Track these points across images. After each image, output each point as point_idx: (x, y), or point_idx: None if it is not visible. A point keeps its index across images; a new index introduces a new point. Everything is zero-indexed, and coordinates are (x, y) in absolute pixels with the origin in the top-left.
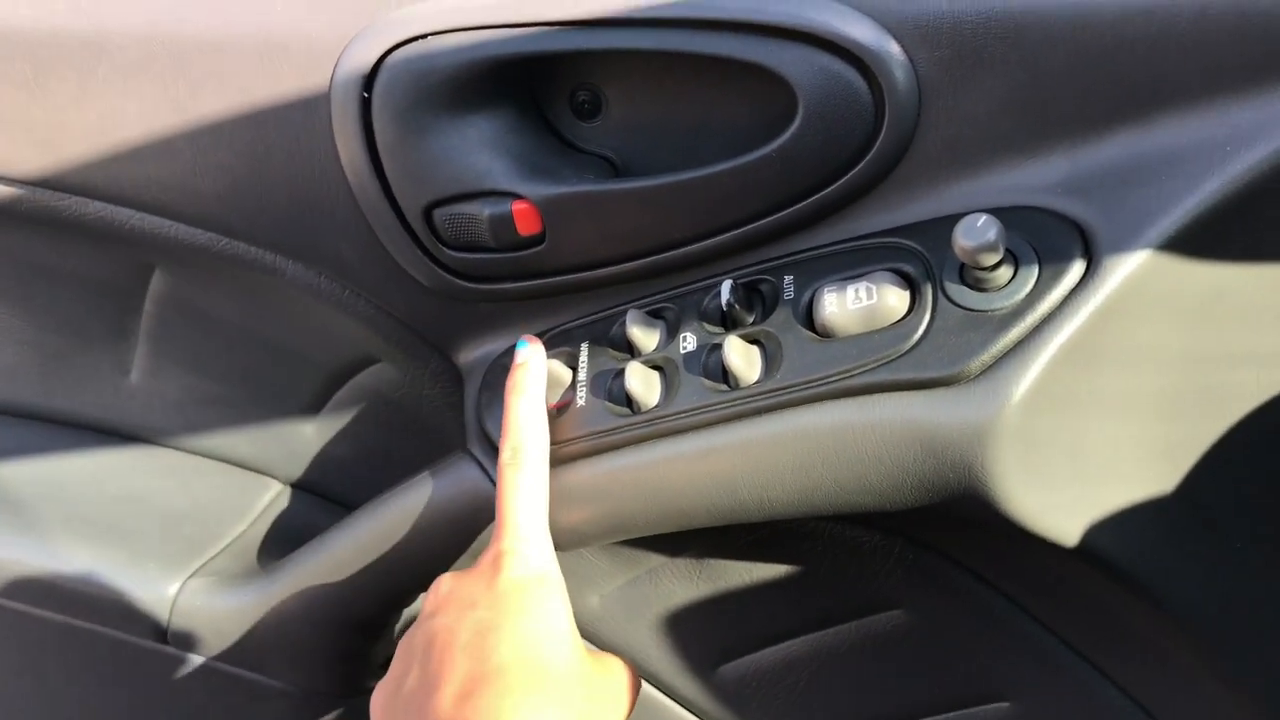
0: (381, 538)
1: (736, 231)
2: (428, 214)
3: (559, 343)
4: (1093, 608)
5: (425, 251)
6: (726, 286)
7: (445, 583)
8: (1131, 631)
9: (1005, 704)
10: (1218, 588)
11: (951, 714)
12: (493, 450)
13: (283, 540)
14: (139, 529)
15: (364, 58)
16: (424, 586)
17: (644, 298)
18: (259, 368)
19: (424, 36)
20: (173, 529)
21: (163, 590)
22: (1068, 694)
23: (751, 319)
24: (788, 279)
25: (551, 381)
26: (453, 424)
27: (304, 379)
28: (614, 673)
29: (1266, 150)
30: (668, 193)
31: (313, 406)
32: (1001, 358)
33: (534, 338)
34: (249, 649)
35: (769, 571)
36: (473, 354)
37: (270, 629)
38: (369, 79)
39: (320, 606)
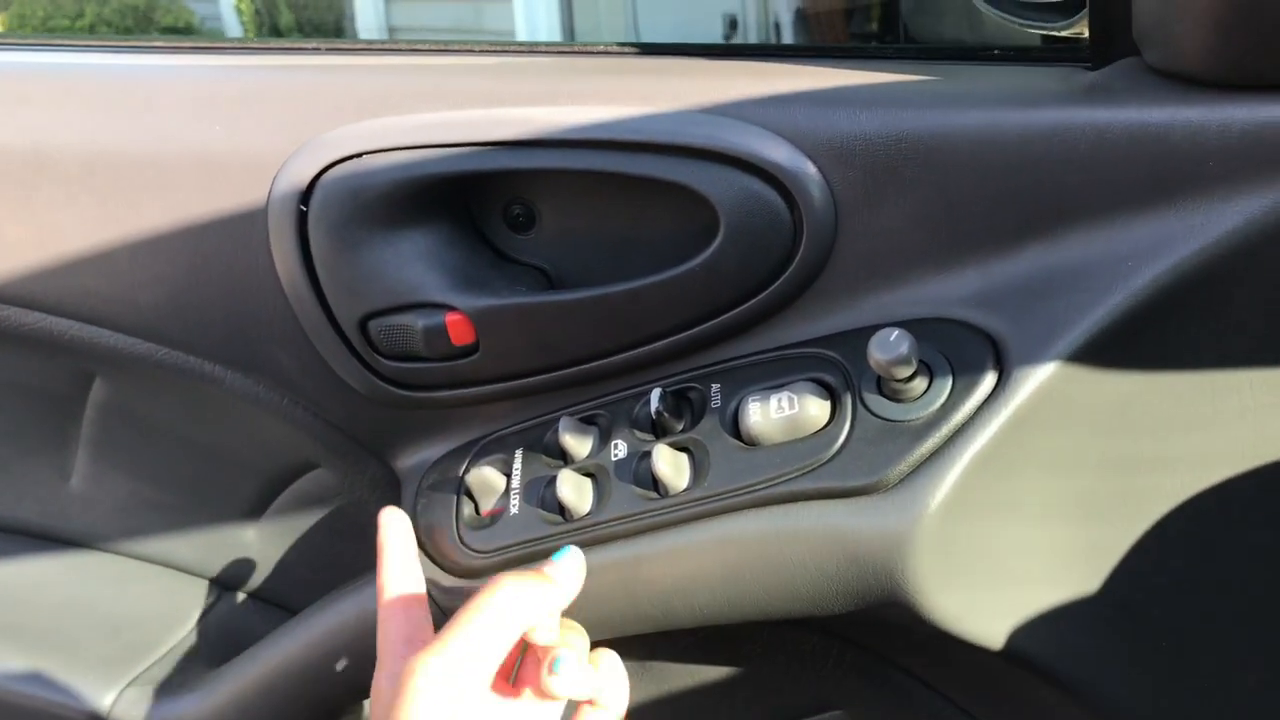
0: (319, 646)
1: (665, 341)
2: (363, 325)
3: (493, 450)
4: (1029, 710)
5: (361, 361)
6: (655, 395)
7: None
8: None
9: None
10: (1147, 686)
11: None
12: (430, 561)
13: (224, 646)
14: (76, 636)
15: (301, 174)
16: (363, 696)
17: (577, 405)
18: (200, 473)
19: (359, 155)
20: (111, 636)
21: (98, 699)
22: None
23: (680, 427)
24: (715, 387)
25: (484, 489)
26: None
27: (244, 484)
28: None
29: (1166, 264)
30: (597, 304)
31: (254, 511)
32: (918, 467)
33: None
34: None
35: (712, 674)
36: (410, 460)
37: None
38: (305, 195)
39: (258, 716)
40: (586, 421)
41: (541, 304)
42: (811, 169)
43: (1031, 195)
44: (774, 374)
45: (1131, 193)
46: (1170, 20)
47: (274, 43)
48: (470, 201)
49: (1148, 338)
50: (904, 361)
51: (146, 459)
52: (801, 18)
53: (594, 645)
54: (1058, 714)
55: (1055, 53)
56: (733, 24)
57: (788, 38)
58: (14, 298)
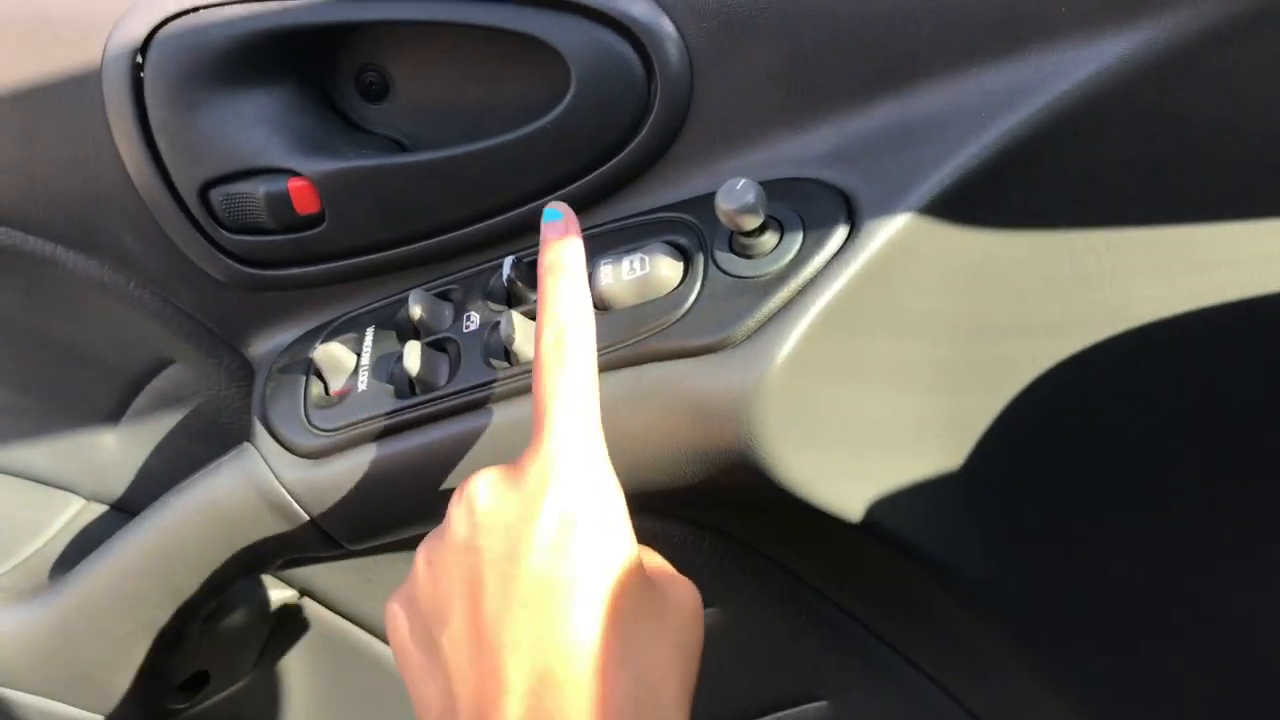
0: (164, 539)
1: (517, 211)
2: (204, 194)
3: (345, 329)
4: (896, 597)
5: (204, 235)
6: (508, 263)
7: (481, 495)
8: (936, 619)
9: (823, 703)
10: (1013, 565)
11: (769, 717)
12: (276, 444)
13: (82, 556)
14: None
15: (135, 32)
16: (215, 593)
17: (430, 281)
18: (52, 373)
19: (197, 9)
20: None
21: None
22: (886, 691)
23: (534, 296)
24: None
25: (333, 368)
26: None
27: (100, 384)
28: (686, 601)
29: (1019, 116)
30: (446, 166)
31: (112, 415)
32: (766, 323)
33: (565, 206)
34: (34, 671)
35: None
36: (263, 347)
37: (57, 648)
38: (141, 54)
39: (107, 619)
40: (440, 297)
41: (388, 166)
42: (667, 24)
43: (884, 45)
44: (628, 240)
45: (984, 40)
46: None
47: None
48: (320, 64)
49: (1002, 193)
50: (750, 210)
51: (1, 360)
52: None
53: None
54: (925, 603)
55: None
56: None
57: None
58: None
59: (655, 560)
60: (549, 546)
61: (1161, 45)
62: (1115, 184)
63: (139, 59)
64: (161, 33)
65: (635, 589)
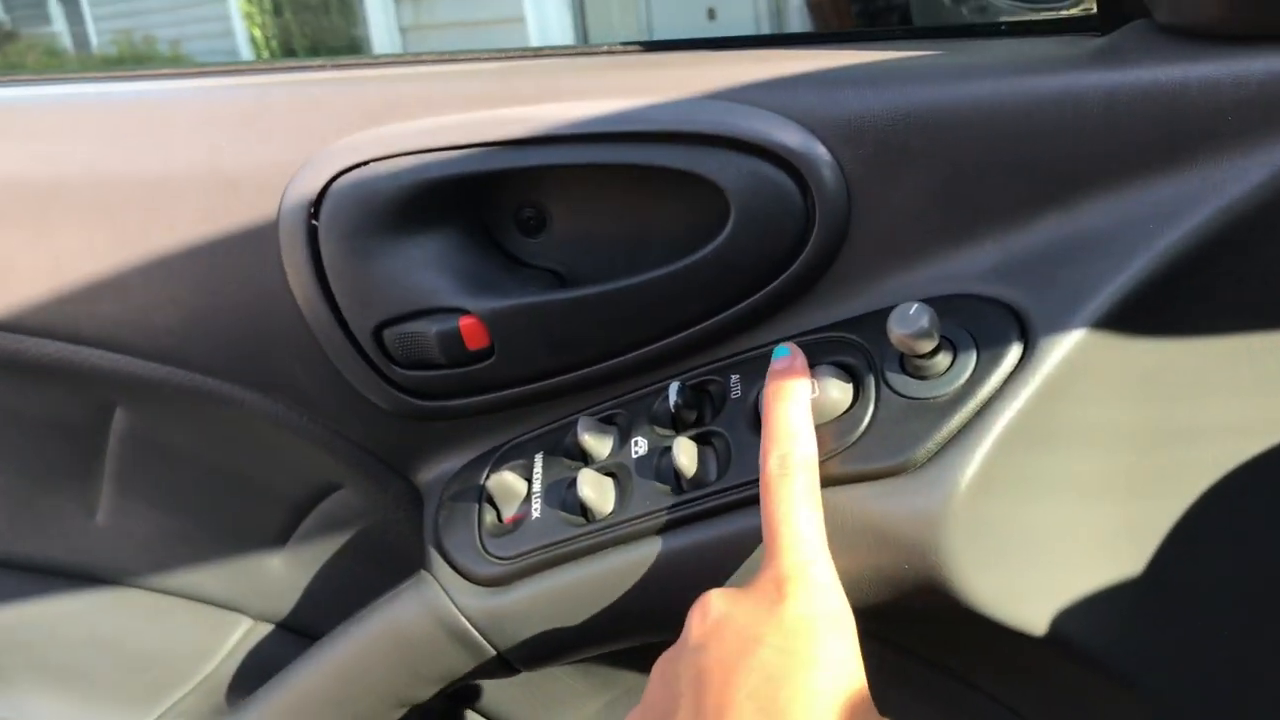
0: (345, 668)
1: (681, 335)
2: (378, 334)
3: (513, 456)
4: (1076, 701)
5: (377, 371)
6: (674, 388)
7: (716, 604)
8: None
9: None
10: (1193, 671)
11: None
12: (453, 572)
13: (253, 677)
14: (104, 674)
15: (310, 186)
16: (393, 716)
17: (595, 405)
18: (224, 502)
19: (366, 163)
20: (139, 672)
21: None
22: None
23: (700, 419)
24: (734, 378)
25: (505, 495)
26: (419, 549)
27: (269, 511)
28: None
29: (1189, 226)
30: (610, 300)
31: (279, 538)
32: (946, 444)
33: (794, 345)
34: None
35: None
36: (432, 474)
37: None
38: (315, 206)
39: None
40: (605, 421)
41: (554, 302)
42: (821, 150)
43: (1045, 163)
44: None
45: (1148, 154)
46: None
47: (279, 63)
48: (480, 206)
49: (1175, 302)
50: (925, 335)
51: (171, 490)
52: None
53: (618, 655)
54: (1104, 705)
55: (1062, 23)
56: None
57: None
58: (31, 328)
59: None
60: (781, 648)
61: None
62: None
63: (313, 210)
64: (334, 186)
65: (859, 707)
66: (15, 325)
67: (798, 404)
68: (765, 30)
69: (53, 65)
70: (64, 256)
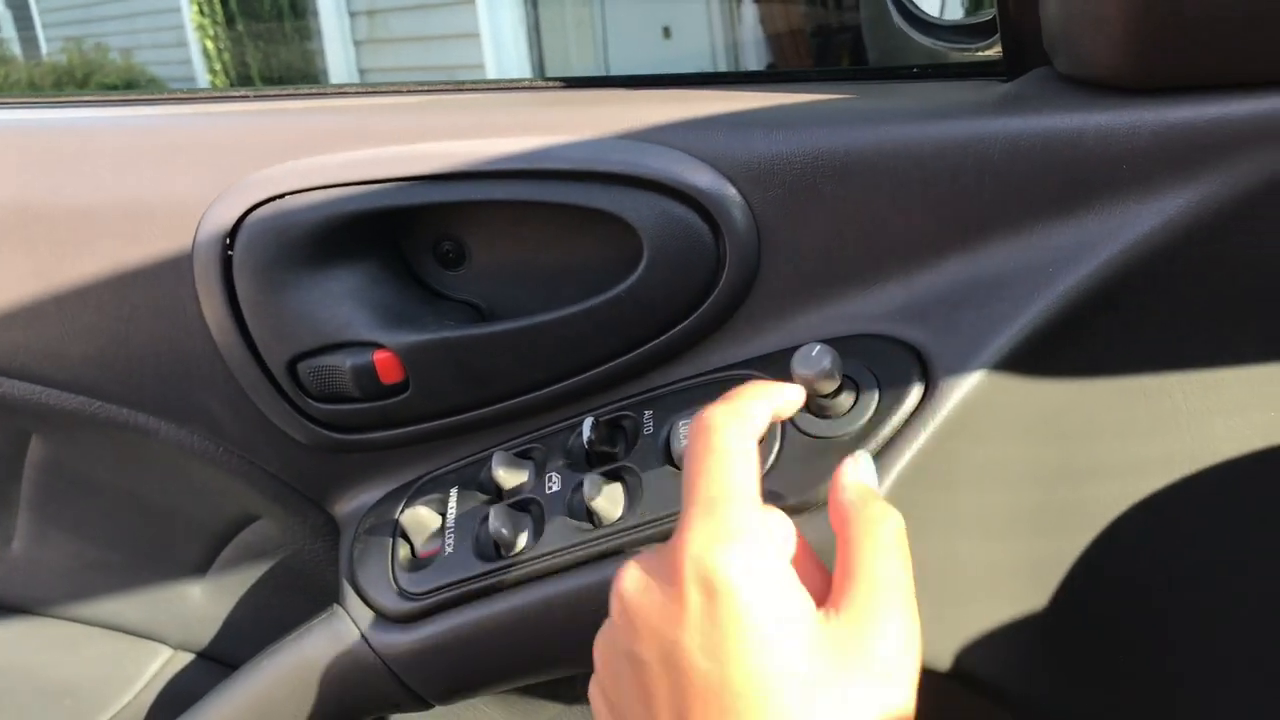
0: (258, 701)
1: (595, 370)
2: (292, 367)
3: (428, 490)
4: None
5: (292, 404)
6: (587, 424)
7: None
8: None
9: None
10: (1099, 701)
11: None
12: (365, 607)
13: (171, 708)
14: (20, 704)
15: (225, 217)
16: None
17: (511, 440)
18: (143, 531)
19: (283, 196)
20: (53, 703)
21: None
22: None
23: (613, 455)
24: (647, 414)
25: (419, 530)
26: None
27: (188, 541)
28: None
29: (1087, 269)
30: (525, 335)
31: (198, 568)
32: None
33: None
34: None
35: None
36: (349, 505)
37: None
38: (230, 238)
39: None
40: (521, 455)
41: (468, 337)
42: (732, 191)
43: (949, 206)
44: (704, 397)
45: (1048, 199)
46: (1076, 28)
47: (203, 92)
48: (399, 239)
49: (1073, 343)
50: (827, 375)
51: (89, 519)
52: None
53: (537, 685)
54: None
55: (971, 67)
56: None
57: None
58: None
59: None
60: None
61: (1222, 197)
62: (1185, 328)
63: (228, 242)
64: (250, 218)
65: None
66: None
67: (741, 411)
68: (719, 49)
69: None
70: None
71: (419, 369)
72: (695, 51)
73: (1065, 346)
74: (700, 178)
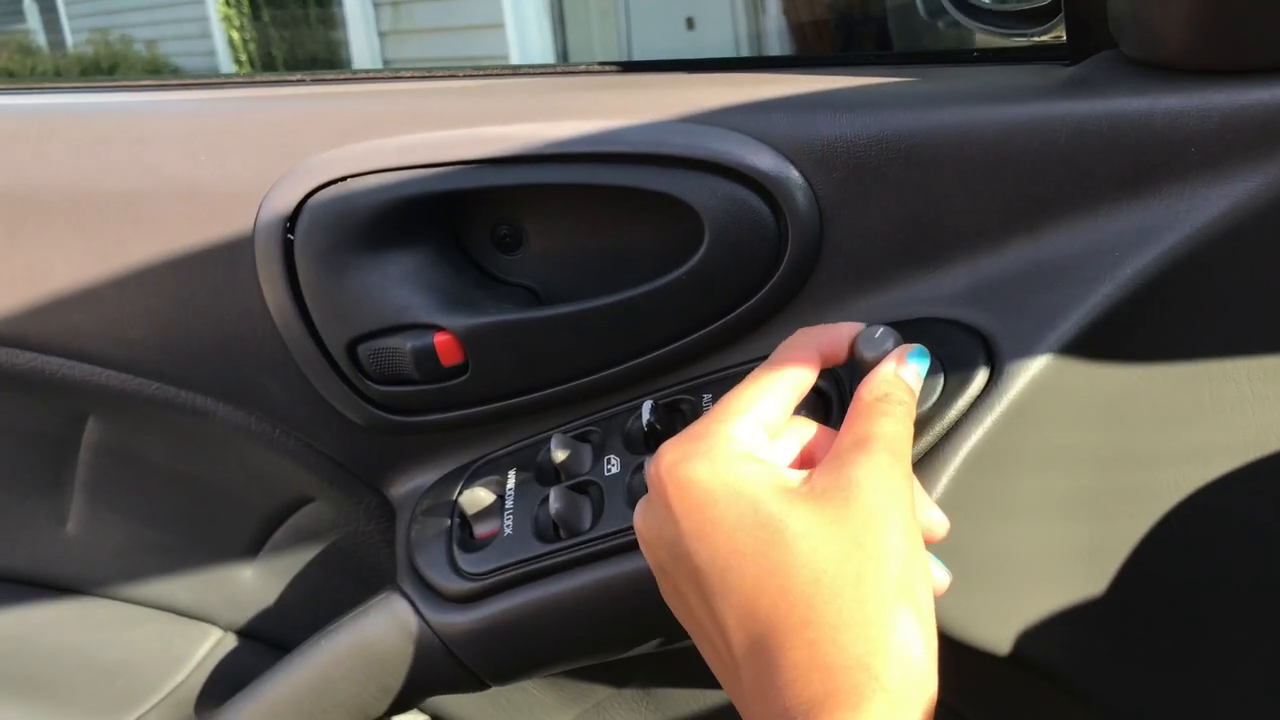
0: (314, 681)
1: (654, 354)
2: (352, 349)
3: (486, 472)
4: (1035, 718)
5: (351, 386)
6: (647, 407)
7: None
8: None
9: None
10: (1157, 687)
11: None
12: (424, 588)
13: (223, 689)
14: (72, 684)
15: (286, 201)
16: None
17: (569, 422)
18: (195, 512)
19: (344, 179)
20: (106, 683)
21: None
22: None
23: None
24: (706, 397)
25: (478, 511)
26: (391, 562)
27: (241, 521)
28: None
29: (1153, 254)
30: (584, 318)
31: (250, 549)
32: (915, 466)
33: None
34: None
35: (718, 698)
36: (404, 488)
37: None
38: (291, 221)
39: None
40: (580, 438)
41: (528, 320)
42: (794, 173)
43: (1014, 189)
44: None
45: (1114, 183)
46: (1144, 10)
47: (259, 76)
48: (456, 223)
49: (1139, 328)
50: None
51: (142, 500)
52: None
53: (589, 668)
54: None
55: (1033, 51)
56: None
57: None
58: (3, 338)
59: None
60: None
61: (1269, 187)
62: (1251, 312)
63: (289, 225)
64: (311, 201)
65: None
66: None
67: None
68: (743, 39)
69: (26, 65)
70: (39, 267)
71: (478, 351)
72: (719, 41)
73: (1130, 332)
74: (762, 160)
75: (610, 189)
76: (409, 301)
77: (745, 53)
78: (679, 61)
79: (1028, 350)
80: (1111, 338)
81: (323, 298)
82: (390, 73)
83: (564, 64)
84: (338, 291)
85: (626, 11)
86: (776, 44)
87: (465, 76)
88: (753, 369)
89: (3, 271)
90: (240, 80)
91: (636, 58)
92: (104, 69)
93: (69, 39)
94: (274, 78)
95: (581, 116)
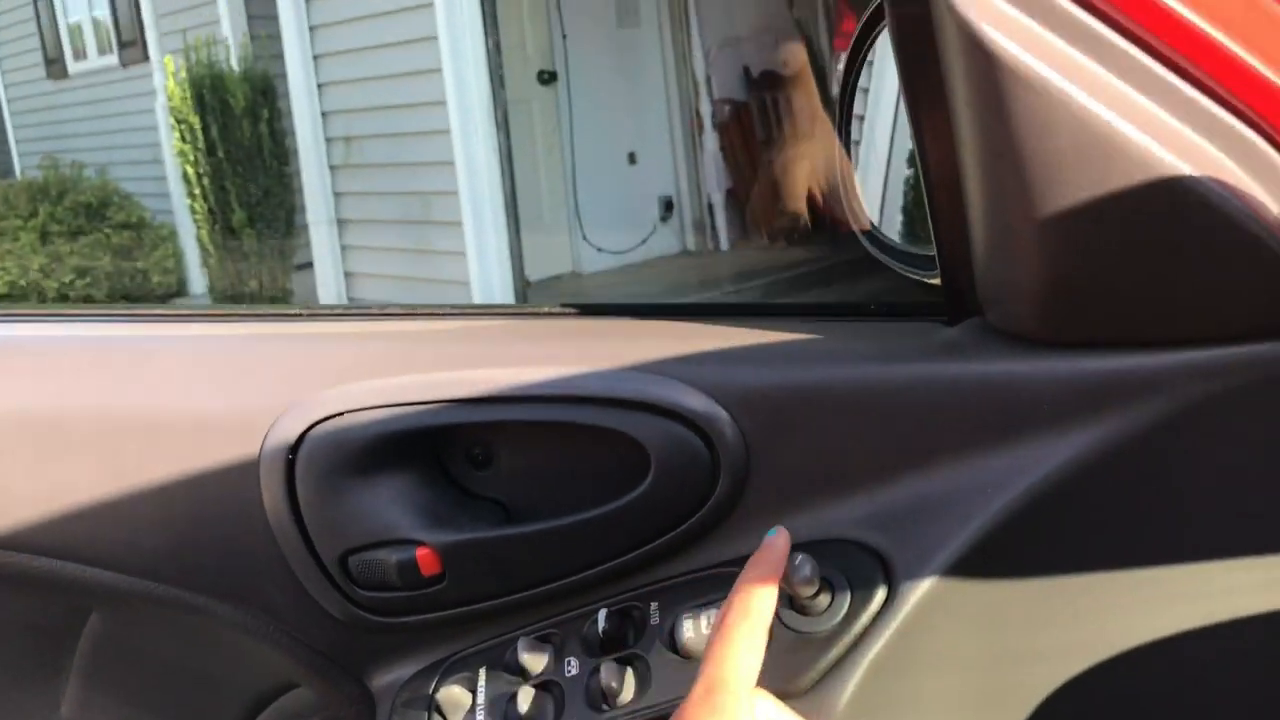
0: None
1: (608, 565)
2: (343, 560)
3: (459, 669)
4: None
5: (340, 591)
6: (602, 615)
7: None
8: None
9: None
10: None
11: None
12: None
13: None
14: None
15: (290, 432)
16: None
17: (534, 624)
18: (187, 696)
19: (340, 414)
20: None
21: None
22: None
23: (624, 643)
24: (654, 605)
25: (453, 707)
26: None
27: (228, 705)
28: None
29: (1016, 492)
30: (547, 536)
31: None
32: (826, 674)
33: (784, 532)
34: None
35: None
36: (384, 679)
37: None
38: (294, 450)
39: None
40: (542, 639)
41: (500, 537)
42: (725, 415)
43: (903, 435)
44: (703, 591)
45: (984, 433)
46: (999, 291)
47: (260, 310)
48: (438, 447)
49: (1011, 551)
50: (808, 582)
51: (136, 686)
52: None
53: None
54: None
55: (920, 309)
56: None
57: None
58: (23, 545)
59: None
60: None
61: (1124, 434)
62: (1096, 539)
63: (291, 454)
64: (312, 433)
65: None
66: (8, 543)
67: (769, 577)
68: (682, 174)
69: None
70: (62, 484)
71: (455, 563)
72: (658, 176)
73: (1005, 554)
74: (699, 404)
75: (571, 425)
76: (396, 520)
77: (685, 186)
78: (628, 306)
79: (919, 572)
80: (988, 559)
81: (319, 516)
82: (378, 310)
83: (530, 307)
84: (333, 511)
85: (572, 148)
86: (714, 179)
87: (443, 316)
88: (686, 581)
89: (27, 487)
90: (240, 314)
91: (581, 191)
92: (53, 195)
93: (17, 165)
94: (273, 311)
95: (548, 363)
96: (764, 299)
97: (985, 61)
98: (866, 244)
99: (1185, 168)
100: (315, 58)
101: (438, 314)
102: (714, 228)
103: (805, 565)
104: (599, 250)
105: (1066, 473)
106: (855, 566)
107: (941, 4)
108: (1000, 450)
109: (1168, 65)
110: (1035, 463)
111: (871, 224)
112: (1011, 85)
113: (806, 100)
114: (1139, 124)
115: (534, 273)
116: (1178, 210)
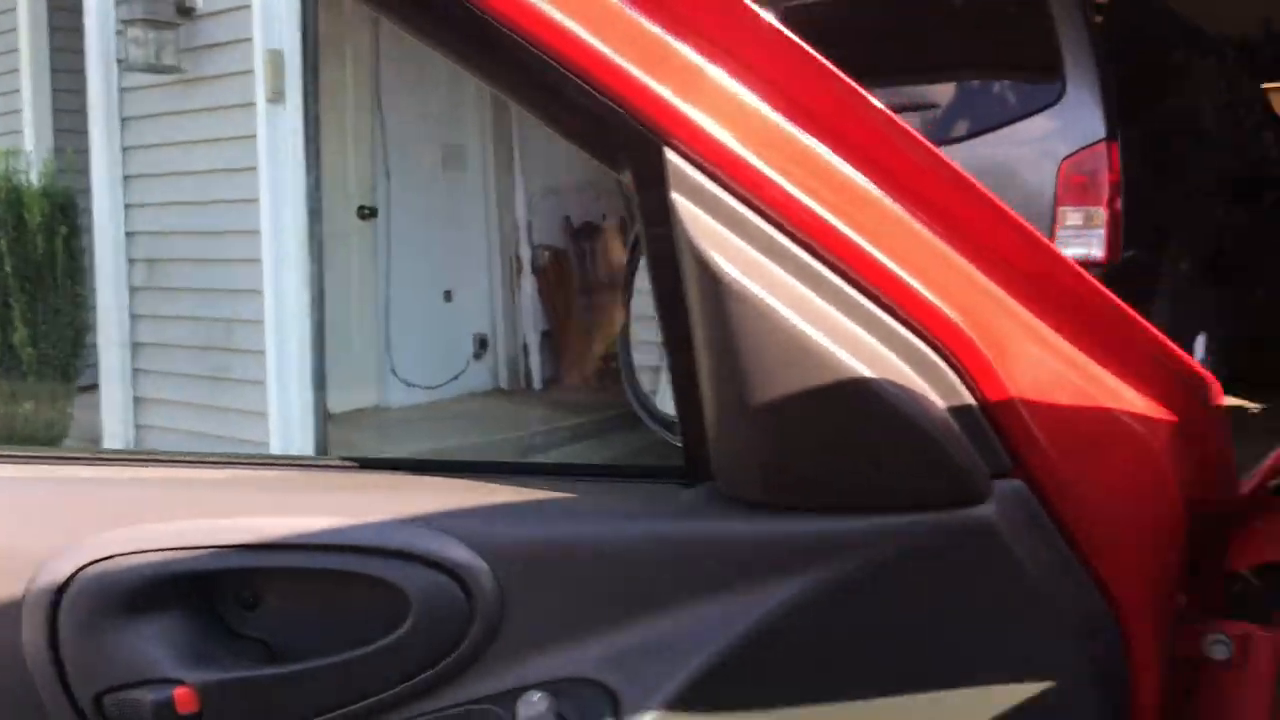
0: None
1: (369, 700)
2: (98, 700)
3: None
4: None
5: None
6: None
7: None
8: None
9: None
10: None
11: None
12: None
13: None
14: None
15: (59, 572)
16: None
17: None
18: None
19: (112, 557)
20: None
21: None
22: None
23: None
24: None
25: None
26: None
27: None
28: None
29: (728, 639)
30: (309, 676)
31: None
32: None
33: None
34: None
35: None
36: None
37: None
38: (60, 591)
39: None
40: None
41: (260, 676)
42: (484, 567)
43: (638, 585)
44: None
45: (707, 584)
46: (730, 461)
47: (42, 452)
48: (209, 589)
49: (724, 688)
50: (543, 719)
51: None
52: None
53: None
54: None
55: (666, 471)
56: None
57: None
58: None
59: None
60: None
61: (823, 587)
62: (803, 675)
63: (57, 596)
64: (81, 574)
65: None
66: None
67: None
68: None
69: None
70: None
71: (214, 703)
72: (474, 315)
73: (717, 689)
74: (460, 555)
75: (340, 572)
76: (157, 658)
77: (500, 322)
78: (403, 461)
79: (644, 705)
80: (703, 695)
81: (78, 656)
82: (163, 456)
83: (304, 458)
84: (93, 651)
85: (387, 283)
86: (530, 317)
87: (229, 465)
88: (447, 716)
89: None
90: (24, 455)
91: (393, 327)
92: None
93: None
94: (56, 454)
95: (324, 514)
96: (567, 440)
97: (711, 281)
98: (637, 408)
99: (864, 370)
100: (126, 178)
101: (220, 463)
102: (528, 367)
103: (541, 703)
104: (408, 385)
105: (770, 620)
106: (589, 703)
107: (679, 231)
108: (719, 600)
109: (854, 286)
110: (745, 611)
111: (644, 392)
112: (732, 303)
113: (622, 252)
114: (828, 332)
115: (337, 405)
116: (858, 405)
